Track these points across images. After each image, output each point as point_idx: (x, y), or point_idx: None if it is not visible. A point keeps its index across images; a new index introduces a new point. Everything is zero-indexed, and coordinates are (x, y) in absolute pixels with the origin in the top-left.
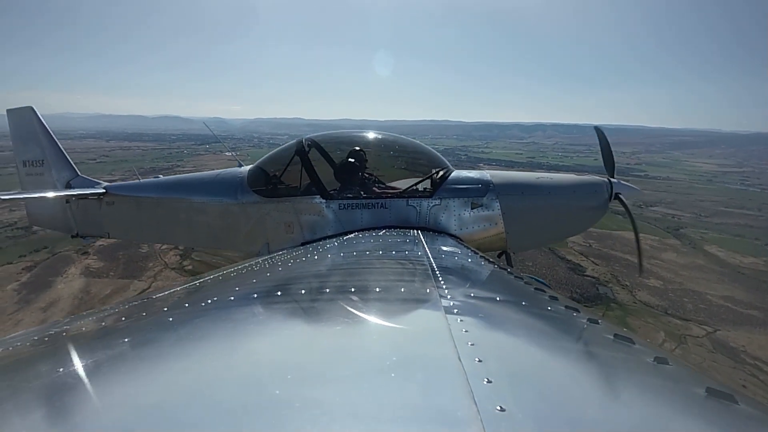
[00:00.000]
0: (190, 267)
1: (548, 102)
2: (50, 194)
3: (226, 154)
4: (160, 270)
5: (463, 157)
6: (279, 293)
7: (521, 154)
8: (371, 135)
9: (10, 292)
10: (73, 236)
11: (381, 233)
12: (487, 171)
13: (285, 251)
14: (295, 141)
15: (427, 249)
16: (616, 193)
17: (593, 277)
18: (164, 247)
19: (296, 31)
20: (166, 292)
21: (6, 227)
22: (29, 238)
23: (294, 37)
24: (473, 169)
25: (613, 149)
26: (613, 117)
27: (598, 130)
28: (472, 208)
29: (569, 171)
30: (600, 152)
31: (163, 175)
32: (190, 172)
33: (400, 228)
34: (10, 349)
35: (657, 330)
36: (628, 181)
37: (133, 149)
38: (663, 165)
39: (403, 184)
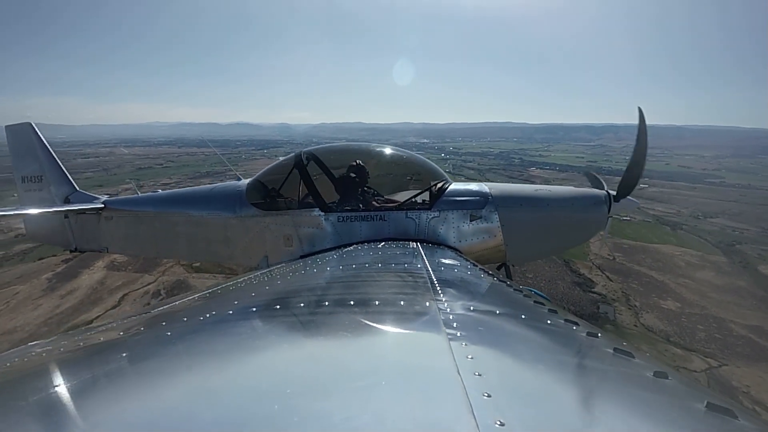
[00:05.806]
0: (197, 263)
1: (623, 102)
2: (48, 210)
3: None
4: (170, 266)
5: (516, 160)
6: (278, 307)
7: (582, 157)
8: (369, 147)
9: (43, 281)
10: (71, 251)
11: (380, 246)
12: (486, 183)
13: (284, 264)
14: (293, 154)
15: (426, 261)
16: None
17: (600, 295)
18: None
19: (359, 42)
20: (165, 307)
21: None
22: None
23: (357, 47)
24: (472, 181)
25: (689, 153)
26: (699, 117)
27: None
28: (470, 221)
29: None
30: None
31: (162, 189)
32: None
33: (399, 240)
34: (8, 364)
35: None
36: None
37: (198, 155)
38: (748, 171)
39: (401, 196)
